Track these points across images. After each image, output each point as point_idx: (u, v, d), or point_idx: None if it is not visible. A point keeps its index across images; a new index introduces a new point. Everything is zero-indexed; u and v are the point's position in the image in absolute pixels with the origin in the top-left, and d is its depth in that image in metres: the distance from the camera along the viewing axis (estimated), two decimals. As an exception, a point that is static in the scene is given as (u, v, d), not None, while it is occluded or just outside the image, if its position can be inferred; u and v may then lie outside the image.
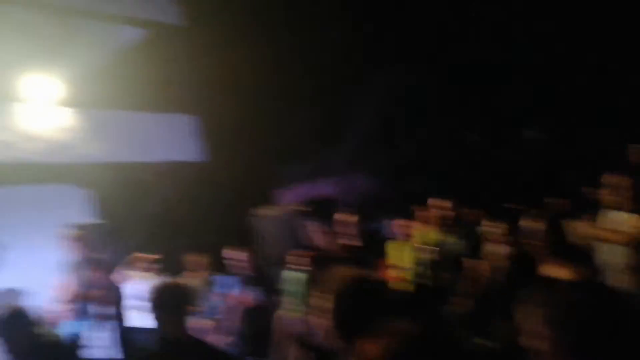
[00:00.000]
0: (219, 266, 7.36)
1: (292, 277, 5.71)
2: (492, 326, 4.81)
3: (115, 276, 7.69)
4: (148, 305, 3.08)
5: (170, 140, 8.91)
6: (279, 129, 9.43)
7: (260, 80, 9.34)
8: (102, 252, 7.96)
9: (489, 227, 5.27)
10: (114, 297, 6.76)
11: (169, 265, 7.42)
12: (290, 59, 9.51)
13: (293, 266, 5.87)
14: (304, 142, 9.58)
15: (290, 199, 9.59)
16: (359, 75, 9.53)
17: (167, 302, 3.05)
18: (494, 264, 5.01)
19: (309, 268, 5.74)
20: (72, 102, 8.18)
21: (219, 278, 7.66)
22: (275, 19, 9.72)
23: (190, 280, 7.46)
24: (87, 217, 8.62)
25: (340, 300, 2.11)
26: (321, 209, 5.43)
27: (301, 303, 5.35)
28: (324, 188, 9.50)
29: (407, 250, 6.34)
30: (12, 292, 7.44)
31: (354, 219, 5.74)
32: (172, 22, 9.31)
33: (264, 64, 9.38)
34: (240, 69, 9.34)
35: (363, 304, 2.10)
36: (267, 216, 8.39)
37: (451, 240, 6.07)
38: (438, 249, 6.04)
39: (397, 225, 6.56)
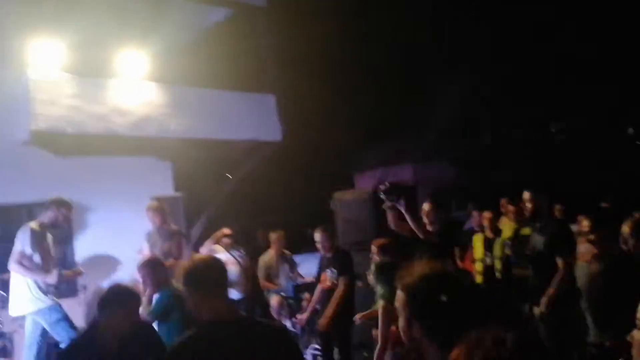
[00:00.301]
0: (296, 245, 7.42)
1: (373, 264, 5.67)
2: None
3: (192, 248, 7.93)
4: (183, 285, 2.76)
5: (251, 119, 9.00)
6: (361, 112, 9.34)
7: (343, 62, 9.28)
8: (181, 224, 8.22)
9: (581, 226, 5.02)
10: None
11: (246, 241, 7.56)
12: (373, 40, 9.37)
13: (371, 253, 5.83)
14: (385, 125, 9.46)
15: (369, 182, 9.52)
16: (444, 61, 9.28)
17: (196, 281, 2.70)
18: (585, 264, 4.79)
19: (387, 256, 5.69)
20: (159, 78, 8.41)
21: (295, 257, 7.74)
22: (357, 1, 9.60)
23: (268, 257, 7.60)
24: (168, 189, 8.90)
25: (414, 297, 2.02)
26: (400, 195, 5.29)
27: (383, 292, 5.31)
28: (404, 173, 9.37)
29: (490, 243, 6.17)
30: (98, 258, 7.81)
31: (434, 207, 5.60)
32: (254, 3, 9.36)
33: (346, 44, 9.30)
34: (321, 50, 9.30)
35: (439, 302, 1.98)
36: (345, 198, 8.35)
37: (537, 236, 5.84)
38: (522, 243, 5.83)
39: (480, 216, 6.38)
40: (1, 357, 6.09)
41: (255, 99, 9.22)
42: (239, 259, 6.76)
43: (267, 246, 7.72)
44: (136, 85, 8.20)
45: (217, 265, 2.82)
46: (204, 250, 6.69)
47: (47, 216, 5.86)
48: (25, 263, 5.59)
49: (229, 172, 9.32)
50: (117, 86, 8.04)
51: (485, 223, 6.37)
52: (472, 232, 6.74)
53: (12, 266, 5.62)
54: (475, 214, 6.86)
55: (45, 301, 5.65)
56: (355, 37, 9.41)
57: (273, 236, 7.65)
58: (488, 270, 6.21)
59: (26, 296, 5.63)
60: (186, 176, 9.13)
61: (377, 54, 9.58)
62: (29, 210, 7.29)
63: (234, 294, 6.44)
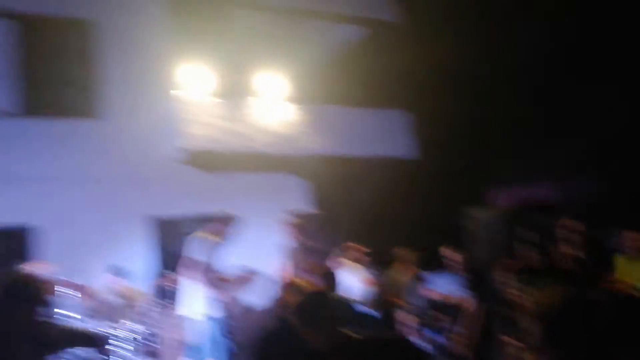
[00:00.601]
0: (427, 263, 7.32)
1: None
2: None
3: (329, 264, 8.08)
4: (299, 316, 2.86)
5: (385, 135, 9.09)
6: (495, 126, 9.03)
7: (475, 77, 9.06)
8: (318, 240, 8.42)
9: None
10: (326, 285, 7.08)
11: (379, 258, 7.58)
12: (508, 54, 9.05)
13: (501, 276, 5.62)
14: (522, 140, 9.05)
15: (505, 200, 9.18)
16: (591, 73, 8.69)
17: (306, 316, 2.81)
18: None
19: (519, 280, 5.44)
20: (295, 98, 8.77)
21: (427, 275, 7.65)
22: (490, 14, 9.33)
23: (398, 274, 7.58)
24: (305, 206, 9.18)
25: (552, 324, 1.94)
26: (538, 214, 5.05)
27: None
28: (542, 191, 8.90)
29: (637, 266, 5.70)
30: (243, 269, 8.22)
31: (579, 227, 5.26)
32: (388, 19, 9.45)
33: (479, 60, 9.07)
34: (454, 66, 9.16)
35: (572, 330, 1.90)
36: (479, 217, 8.13)
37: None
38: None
39: (629, 237, 5.91)
40: (150, 358, 6.50)
41: (389, 116, 9.29)
42: (374, 278, 6.79)
43: (397, 263, 7.70)
44: (274, 104, 8.63)
45: (323, 299, 2.99)
46: (336, 268, 6.79)
47: (220, 230, 6.22)
48: (211, 278, 5.88)
49: (364, 188, 9.43)
50: (255, 106, 8.51)
51: (636, 245, 5.88)
52: (615, 252, 6.24)
53: (194, 276, 5.91)
54: (624, 234, 6.34)
55: (217, 312, 5.98)
56: (489, 51, 9.15)
57: (403, 253, 7.63)
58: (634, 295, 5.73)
59: (204, 300, 5.94)
60: (323, 193, 9.35)
61: (513, 67, 9.23)
62: (178, 224, 7.89)
63: (371, 312, 6.46)
